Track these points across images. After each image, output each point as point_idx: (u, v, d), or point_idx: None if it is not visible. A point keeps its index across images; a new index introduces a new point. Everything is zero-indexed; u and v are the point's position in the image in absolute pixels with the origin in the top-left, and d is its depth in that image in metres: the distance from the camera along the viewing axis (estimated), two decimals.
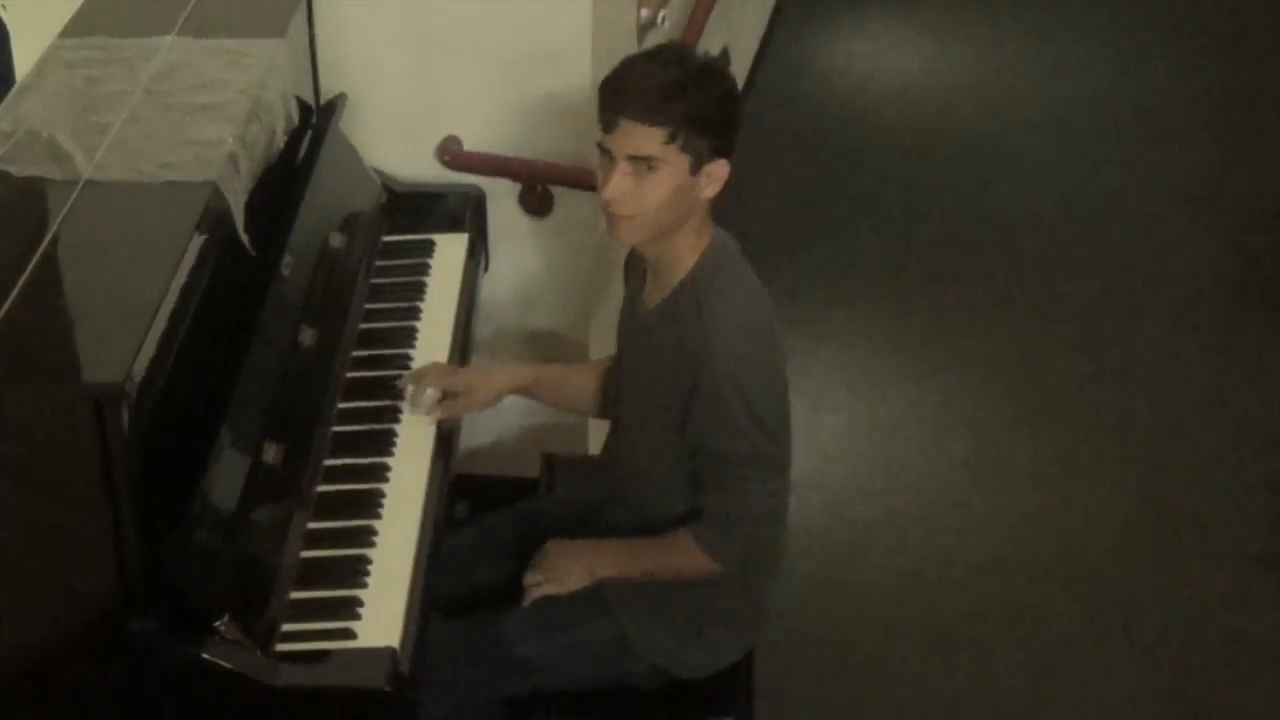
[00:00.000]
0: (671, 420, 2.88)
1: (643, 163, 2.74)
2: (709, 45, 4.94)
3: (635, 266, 3.07)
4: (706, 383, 2.80)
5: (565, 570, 3.02)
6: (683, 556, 2.94)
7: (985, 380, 4.83)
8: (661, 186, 2.75)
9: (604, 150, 2.79)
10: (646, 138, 2.73)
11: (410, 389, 3.14)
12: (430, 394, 3.15)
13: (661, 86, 2.73)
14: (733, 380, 2.80)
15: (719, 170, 2.81)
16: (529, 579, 3.04)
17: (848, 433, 4.64)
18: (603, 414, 3.27)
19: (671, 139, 2.73)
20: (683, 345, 2.84)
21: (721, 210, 2.92)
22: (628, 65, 2.82)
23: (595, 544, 3.06)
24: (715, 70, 2.83)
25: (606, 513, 3.17)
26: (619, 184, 2.76)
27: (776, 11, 6.77)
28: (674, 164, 2.75)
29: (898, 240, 5.48)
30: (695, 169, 2.77)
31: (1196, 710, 3.81)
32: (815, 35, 6.73)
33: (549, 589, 3.01)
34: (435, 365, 3.22)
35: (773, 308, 2.96)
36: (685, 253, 2.88)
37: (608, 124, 2.76)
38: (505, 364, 3.38)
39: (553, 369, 3.35)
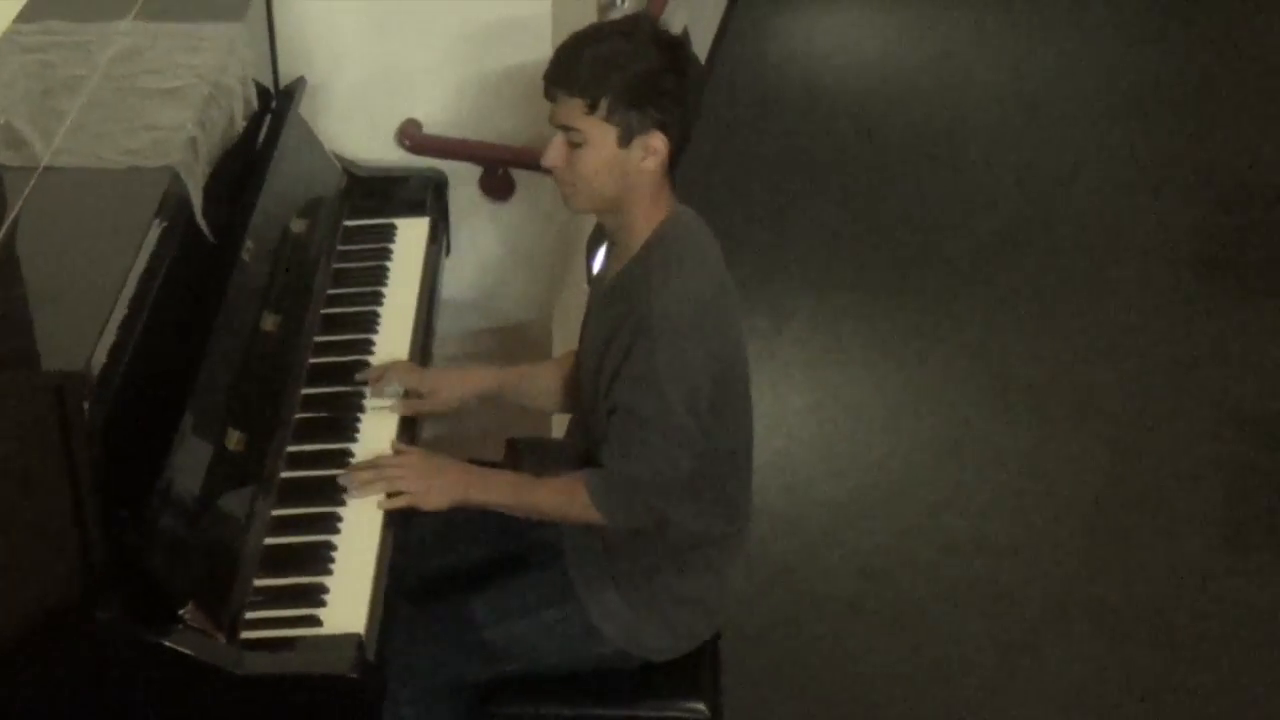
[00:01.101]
0: (608, 386, 2.87)
1: (570, 134, 2.79)
2: (670, 23, 4.93)
3: (599, 241, 3.07)
4: (640, 341, 2.78)
5: (434, 488, 2.90)
6: (571, 500, 2.91)
7: (950, 361, 4.84)
8: (590, 156, 2.80)
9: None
10: (571, 109, 2.79)
11: (372, 383, 3.13)
12: (393, 388, 3.13)
13: (592, 59, 2.77)
14: (664, 342, 2.77)
15: (655, 142, 2.80)
16: (390, 471, 2.91)
17: (812, 414, 4.65)
18: (567, 408, 3.25)
19: (591, 109, 2.77)
20: (627, 312, 2.84)
21: (683, 188, 2.92)
22: (576, 35, 2.86)
23: (465, 466, 2.98)
24: (664, 43, 2.82)
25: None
26: (551, 153, 2.84)
27: None
28: (598, 136, 2.78)
29: (861, 220, 5.49)
30: (625, 141, 2.79)
31: (1162, 688, 3.82)
32: (777, 14, 6.73)
33: (406, 501, 2.89)
34: (400, 363, 3.20)
35: (731, 286, 2.95)
36: (640, 224, 2.88)
37: (546, 94, 2.83)
38: (469, 366, 3.35)
39: (516, 371, 3.31)
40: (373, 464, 2.94)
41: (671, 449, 2.86)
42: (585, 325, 3.10)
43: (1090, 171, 5.72)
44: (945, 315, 5.02)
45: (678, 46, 2.86)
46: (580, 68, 2.77)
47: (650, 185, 2.85)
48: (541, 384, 3.25)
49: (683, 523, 2.97)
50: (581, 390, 3.08)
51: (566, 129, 2.80)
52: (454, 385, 3.21)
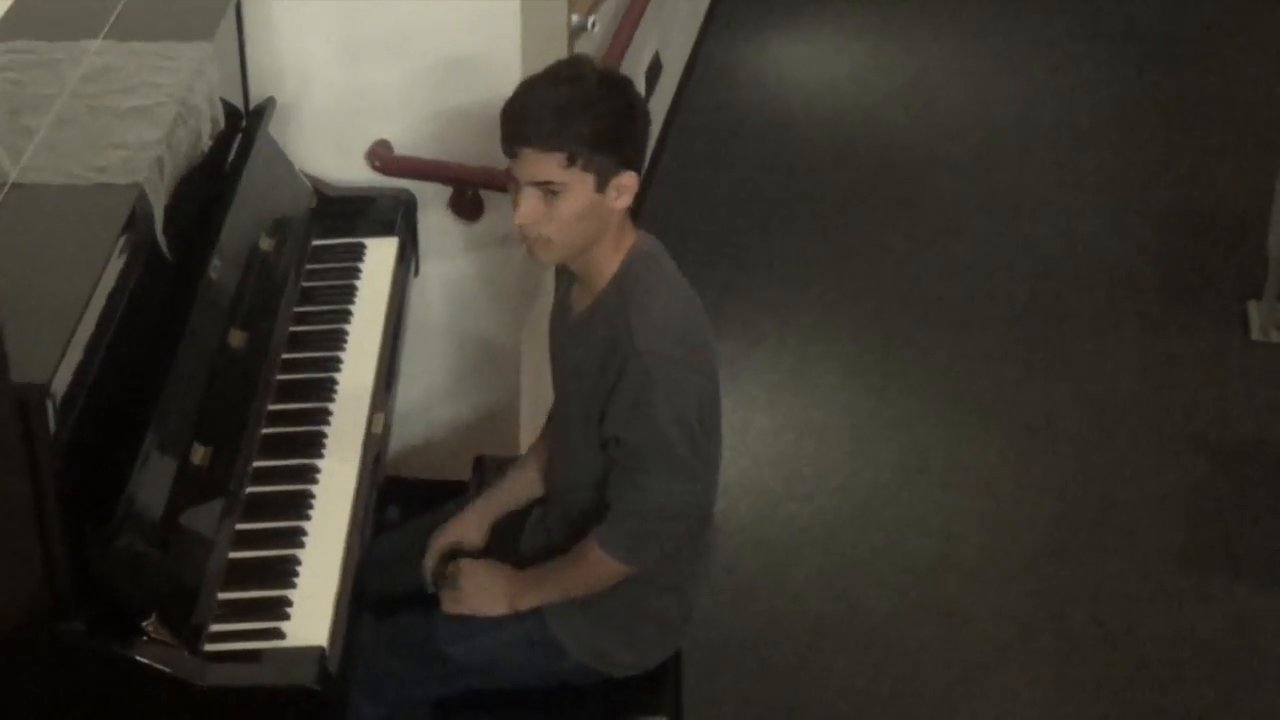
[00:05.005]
0: (594, 421, 2.90)
1: (545, 187, 2.76)
2: (640, 50, 4.98)
3: (564, 271, 3.08)
4: (628, 377, 2.81)
5: (487, 599, 3.01)
6: (594, 567, 2.95)
7: (914, 384, 4.88)
8: (569, 208, 2.77)
9: (511, 176, 2.81)
10: (546, 164, 2.74)
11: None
12: (429, 565, 3.16)
13: (555, 111, 2.73)
14: (654, 375, 2.81)
15: (627, 181, 2.82)
16: (448, 604, 3.03)
17: (777, 435, 4.67)
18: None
19: (571, 162, 2.74)
20: (609, 346, 2.86)
21: (653, 214, 2.94)
22: (524, 89, 2.82)
23: (512, 574, 3.05)
24: (613, 83, 2.84)
25: (534, 514, 3.19)
26: (527, 209, 2.78)
27: (709, 16, 6.81)
28: (578, 185, 2.76)
29: (828, 245, 5.52)
30: (601, 186, 2.79)
31: (1123, 710, 3.85)
32: (747, 40, 6.77)
33: (473, 610, 3.01)
34: (437, 545, 3.19)
35: (703, 310, 2.99)
36: (606, 260, 2.89)
37: (510, 152, 2.78)
38: (472, 504, 3.34)
39: (510, 479, 3.27)
40: (449, 581, 3.04)
41: (670, 480, 2.88)
42: (556, 360, 3.11)
43: (1055, 199, 5.76)
44: (911, 339, 5.05)
45: (626, 83, 2.89)
46: (549, 122, 2.73)
47: (618, 221, 2.88)
48: (532, 477, 3.24)
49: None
50: (563, 428, 3.09)
51: (542, 184, 2.76)
52: (473, 524, 3.20)
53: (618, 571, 2.94)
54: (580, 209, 2.78)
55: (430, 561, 3.15)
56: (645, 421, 2.82)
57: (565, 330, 3.04)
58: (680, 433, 2.84)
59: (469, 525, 3.19)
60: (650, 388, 2.81)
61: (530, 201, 2.78)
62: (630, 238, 2.92)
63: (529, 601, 3.01)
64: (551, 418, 3.23)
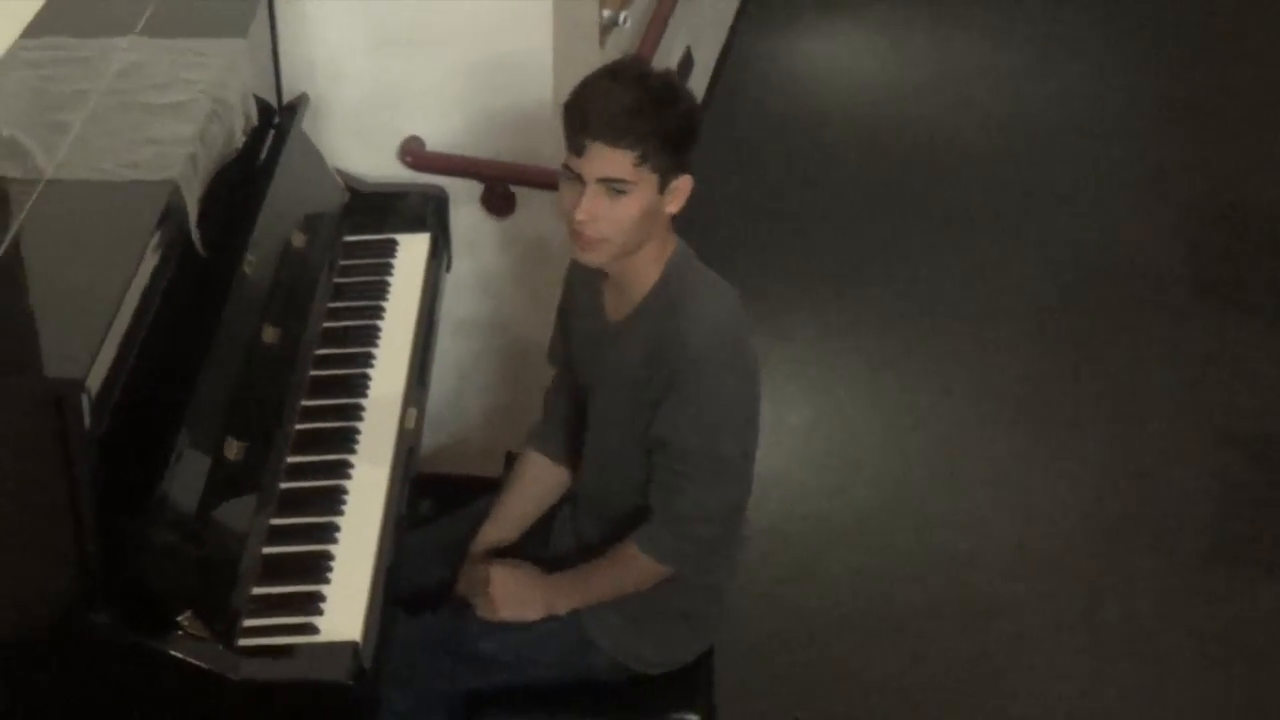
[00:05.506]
0: (639, 425, 2.90)
1: (614, 185, 2.74)
2: (671, 46, 4.98)
3: (584, 282, 3.04)
4: (680, 381, 2.81)
5: (521, 605, 3.00)
6: (633, 570, 2.95)
7: (943, 378, 4.87)
8: (632, 207, 2.75)
9: (570, 172, 2.77)
10: (618, 161, 2.72)
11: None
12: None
13: (629, 108, 2.71)
14: (706, 378, 2.82)
15: (683, 184, 2.82)
16: (482, 611, 3.01)
17: (807, 430, 4.67)
18: (564, 486, 3.24)
19: (642, 161, 2.72)
20: (657, 349, 2.85)
21: (686, 209, 2.94)
22: (591, 87, 2.78)
23: (547, 580, 3.03)
24: (675, 86, 2.83)
25: (561, 515, 3.20)
26: (590, 206, 2.74)
27: (740, 12, 6.80)
28: (644, 185, 2.75)
29: (857, 239, 5.51)
30: (662, 187, 2.78)
31: (1152, 704, 3.84)
32: (778, 36, 6.76)
33: (507, 617, 3.00)
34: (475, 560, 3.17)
35: (744, 309, 2.97)
36: (650, 265, 2.88)
37: (577, 147, 2.74)
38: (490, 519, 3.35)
39: (511, 494, 3.24)
40: (477, 590, 3.01)
41: (715, 483, 2.89)
42: (583, 367, 3.09)
43: (1083, 192, 5.75)
44: (940, 334, 5.04)
45: (685, 87, 2.88)
46: (623, 118, 2.70)
47: (665, 225, 2.87)
48: (533, 492, 3.23)
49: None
50: (596, 432, 3.08)
51: (610, 181, 2.73)
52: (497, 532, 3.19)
53: (657, 573, 2.95)
54: (643, 209, 2.76)
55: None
56: (696, 424, 2.83)
57: (599, 339, 3.02)
58: (730, 433, 2.86)
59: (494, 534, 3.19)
60: (703, 390, 2.81)
61: (594, 199, 2.74)
62: (672, 244, 2.92)
63: (564, 605, 3.01)
64: (545, 427, 3.23)
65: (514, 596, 3.01)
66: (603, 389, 3.02)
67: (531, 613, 3.01)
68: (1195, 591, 4.14)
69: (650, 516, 2.93)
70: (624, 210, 2.75)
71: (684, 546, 2.94)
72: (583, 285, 3.06)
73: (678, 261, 2.91)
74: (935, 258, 5.41)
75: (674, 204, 2.83)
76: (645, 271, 2.89)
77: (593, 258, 2.83)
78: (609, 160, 2.72)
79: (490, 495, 3.28)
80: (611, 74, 2.81)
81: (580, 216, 2.75)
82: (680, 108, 2.79)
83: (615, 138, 2.71)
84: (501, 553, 3.13)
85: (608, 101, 2.73)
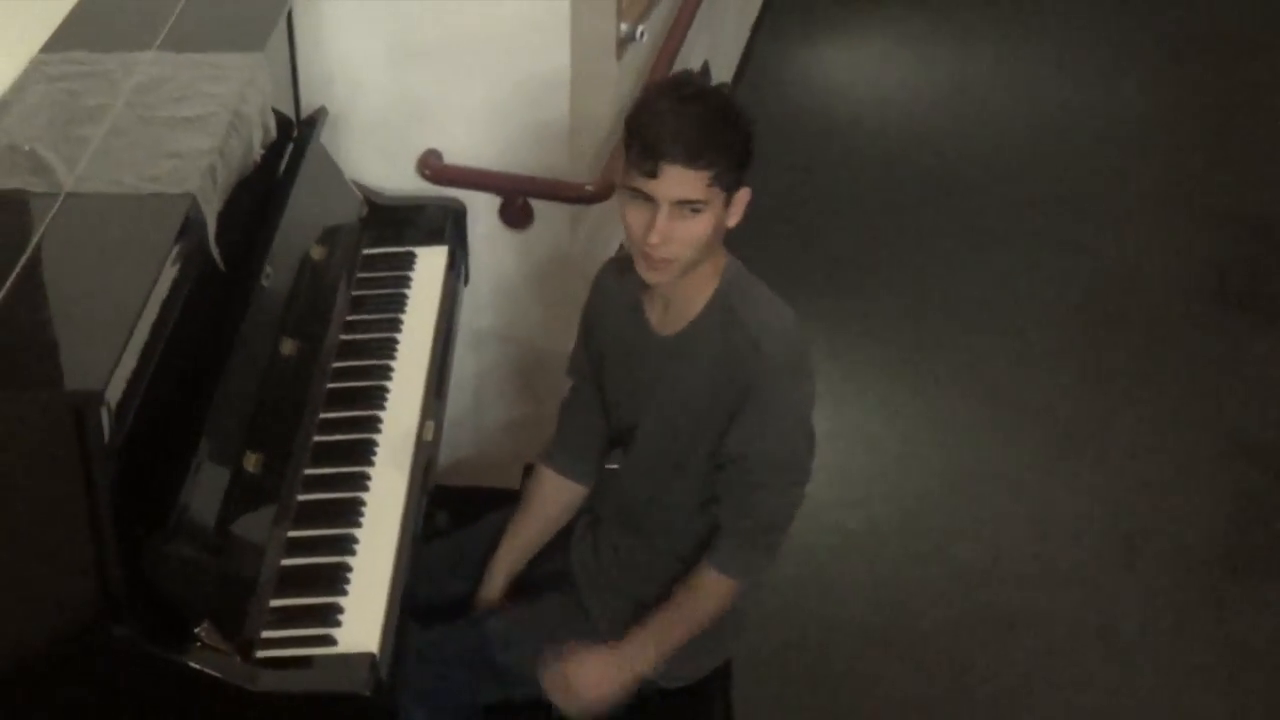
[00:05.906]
0: (701, 440, 2.89)
1: (688, 206, 2.71)
2: (689, 58, 4.98)
3: (619, 296, 3.02)
4: (757, 392, 2.81)
5: (604, 687, 2.92)
6: (713, 595, 2.93)
7: (964, 389, 4.86)
8: (704, 226, 2.73)
9: (637, 193, 2.72)
10: (692, 182, 2.69)
11: None
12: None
13: (700, 128, 2.68)
14: (784, 387, 2.83)
15: (743, 196, 2.81)
16: (564, 704, 2.95)
17: (828, 442, 4.60)
18: (573, 509, 3.23)
19: (714, 180, 2.70)
20: (726, 362, 2.84)
21: None
22: (656, 108, 2.72)
23: (620, 650, 2.94)
24: (734, 102, 2.80)
25: (578, 528, 3.20)
26: (665, 228, 2.71)
27: (757, 24, 6.81)
28: (715, 203, 2.74)
29: (876, 251, 5.51)
30: (728, 202, 2.77)
31: (1171, 716, 3.83)
32: (795, 47, 6.77)
33: (597, 709, 2.94)
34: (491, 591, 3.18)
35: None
36: (706, 280, 2.87)
37: (648, 170, 2.68)
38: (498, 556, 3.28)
39: (525, 517, 3.22)
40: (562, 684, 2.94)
41: (787, 490, 2.91)
42: (627, 381, 3.04)
43: (1104, 202, 5.75)
44: (960, 345, 5.04)
45: (737, 100, 2.85)
46: (696, 140, 2.67)
47: (721, 239, 2.86)
48: (560, 506, 3.22)
49: None
50: (639, 446, 3.04)
51: (686, 202, 2.70)
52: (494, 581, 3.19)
53: (735, 592, 2.94)
54: (710, 227, 2.75)
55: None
56: (778, 433, 2.84)
57: (648, 355, 2.98)
58: (805, 437, 2.89)
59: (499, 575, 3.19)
60: (780, 400, 2.82)
61: (669, 220, 2.71)
62: (723, 255, 2.91)
63: (647, 662, 2.94)
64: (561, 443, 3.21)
65: (594, 684, 2.93)
66: (652, 404, 2.98)
67: (618, 687, 2.93)
68: (1215, 603, 4.13)
69: (720, 535, 2.92)
70: (696, 229, 2.73)
71: (759, 558, 2.95)
72: (616, 299, 3.03)
73: (731, 273, 2.91)
74: (955, 269, 5.41)
75: (734, 217, 2.82)
76: (702, 285, 2.87)
77: (661, 277, 2.80)
78: (685, 182, 2.69)
79: (508, 508, 3.28)
80: (675, 93, 2.75)
81: (655, 240, 2.72)
82: (743, 124, 2.77)
83: (691, 159, 2.67)
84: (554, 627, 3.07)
85: (680, 123, 2.69)
